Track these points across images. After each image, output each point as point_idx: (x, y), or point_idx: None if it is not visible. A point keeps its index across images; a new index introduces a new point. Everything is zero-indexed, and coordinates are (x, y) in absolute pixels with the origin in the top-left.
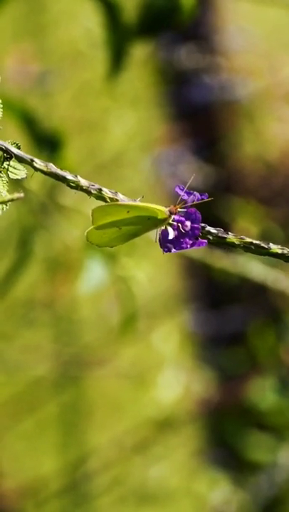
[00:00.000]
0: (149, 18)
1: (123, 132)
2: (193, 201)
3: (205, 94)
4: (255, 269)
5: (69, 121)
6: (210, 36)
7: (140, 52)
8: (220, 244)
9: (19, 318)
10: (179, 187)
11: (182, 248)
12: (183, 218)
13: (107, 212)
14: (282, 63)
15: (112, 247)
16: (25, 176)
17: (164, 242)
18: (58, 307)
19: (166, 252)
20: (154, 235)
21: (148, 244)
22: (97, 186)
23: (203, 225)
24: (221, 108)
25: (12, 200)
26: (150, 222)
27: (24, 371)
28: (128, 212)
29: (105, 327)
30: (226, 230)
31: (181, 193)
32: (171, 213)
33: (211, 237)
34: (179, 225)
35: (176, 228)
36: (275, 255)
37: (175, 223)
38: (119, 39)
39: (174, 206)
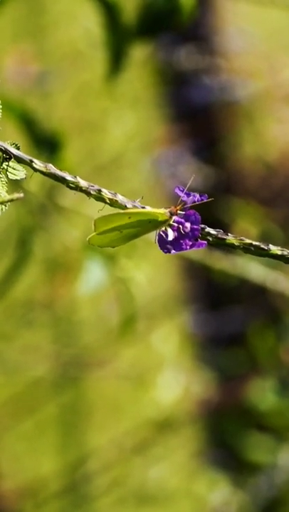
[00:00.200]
0: (148, 19)
1: (122, 133)
2: (193, 202)
3: (205, 95)
4: (255, 270)
5: (68, 121)
6: (210, 37)
7: (140, 53)
8: (219, 245)
9: (18, 319)
10: (178, 188)
11: (182, 249)
12: (182, 219)
13: (109, 221)
14: (282, 64)
15: (113, 247)
16: (24, 176)
17: (164, 244)
18: (58, 308)
19: (166, 253)
20: (153, 236)
21: (147, 245)
22: (96, 187)
23: (202, 226)
24: (221, 109)
25: (12, 200)
26: (151, 224)
27: (23, 372)
28: (129, 218)
29: (105, 328)
30: (226, 231)
31: (181, 194)
32: (171, 214)
33: (210, 239)
34: (179, 226)
35: (175, 229)
36: (275, 256)
37: (175, 224)
38: (118, 40)
39: (175, 207)
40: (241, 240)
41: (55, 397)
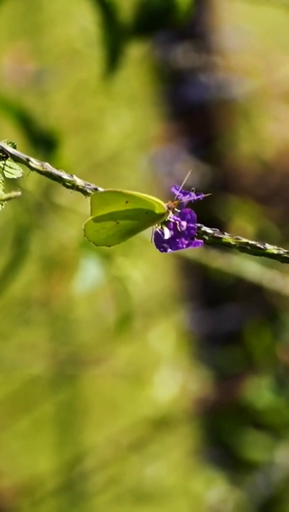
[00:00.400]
0: (145, 17)
1: (119, 131)
2: (189, 201)
3: (201, 93)
4: (251, 268)
5: (65, 120)
6: (206, 35)
7: (136, 51)
8: (216, 244)
9: (15, 317)
10: (175, 187)
11: (178, 248)
12: (179, 218)
13: (106, 201)
14: (279, 63)
15: (109, 246)
16: (21, 175)
17: (160, 242)
18: (54, 306)
19: (162, 252)
20: (150, 234)
21: (144, 244)
22: (93, 186)
23: (199, 225)
24: (218, 107)
25: (9, 198)
26: (148, 216)
27: (20, 370)
28: (127, 202)
29: (101, 326)
30: (222, 229)
31: (177, 192)
32: (169, 209)
33: (206, 237)
34: (177, 223)
35: (172, 228)
36: (271, 256)
37: (172, 220)
38: (115, 38)
39: (172, 202)
40: (237, 239)
41: (52, 395)
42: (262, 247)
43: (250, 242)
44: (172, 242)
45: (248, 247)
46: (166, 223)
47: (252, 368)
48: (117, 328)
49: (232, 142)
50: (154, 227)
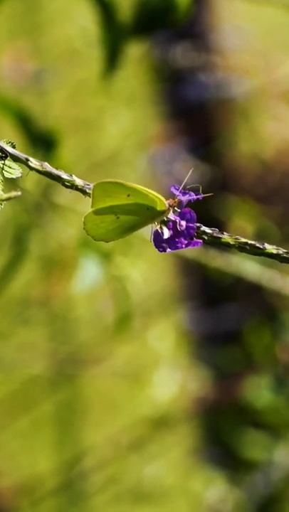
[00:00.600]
0: (144, 17)
1: (119, 131)
2: (189, 201)
3: (200, 92)
4: (251, 268)
5: (64, 119)
6: (205, 35)
7: (136, 51)
8: (215, 244)
9: (14, 317)
10: (174, 187)
11: (177, 248)
12: (178, 218)
13: (107, 192)
14: (278, 62)
15: (107, 241)
16: (20, 175)
17: (159, 242)
18: (54, 306)
19: (162, 251)
20: (149, 234)
21: (143, 243)
22: (92, 185)
23: (198, 224)
24: (217, 106)
25: (9, 198)
26: (148, 212)
27: (20, 369)
28: (128, 196)
29: (101, 325)
30: (222, 228)
31: (177, 192)
32: (170, 206)
33: (206, 237)
34: (176, 222)
35: (171, 228)
36: (270, 255)
37: (170, 222)
38: (114, 37)
39: (173, 200)
40: (237, 238)
41: (51, 395)
42: (261, 246)
43: (250, 241)
44: (171, 242)
45: (248, 247)
46: (166, 223)
47: (251, 368)
48: (117, 327)
49: (231, 142)
50: (153, 226)
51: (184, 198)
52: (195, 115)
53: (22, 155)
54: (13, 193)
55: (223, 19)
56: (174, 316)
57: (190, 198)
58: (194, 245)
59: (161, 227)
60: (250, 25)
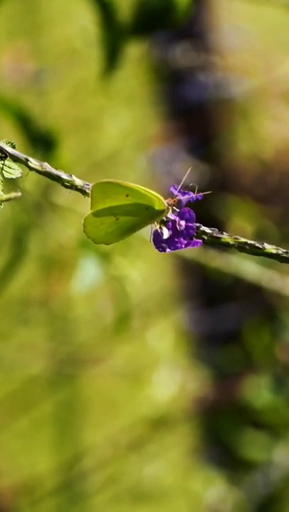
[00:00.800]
0: (144, 17)
1: (118, 131)
2: (188, 201)
3: (200, 92)
4: (250, 268)
5: (64, 119)
6: (205, 35)
7: (135, 51)
8: (215, 243)
9: (14, 317)
10: (173, 186)
11: (177, 248)
12: (177, 217)
13: (106, 193)
14: (277, 62)
15: (108, 244)
16: (20, 175)
17: (159, 242)
18: (53, 306)
19: (161, 251)
20: (148, 234)
21: (142, 244)
22: (91, 186)
23: (198, 224)
24: (216, 106)
25: (9, 199)
26: (148, 212)
27: (19, 369)
28: (127, 196)
29: (100, 325)
30: (221, 228)
31: (176, 192)
32: (169, 205)
33: (205, 237)
34: (175, 222)
35: (170, 228)
36: (270, 255)
37: (170, 222)
38: (114, 37)
39: (172, 199)
40: (236, 238)
41: (51, 395)
42: (261, 246)
43: (249, 241)
44: (171, 242)
45: (247, 247)
46: (165, 223)
47: (251, 368)
48: (116, 327)
49: (231, 142)
50: (152, 226)
51: (183, 198)
52: (194, 115)
53: (22, 155)
54: (12, 194)
55: (223, 19)
56: (174, 316)
57: (189, 197)
58: (194, 245)
59: (160, 227)
60: (250, 25)
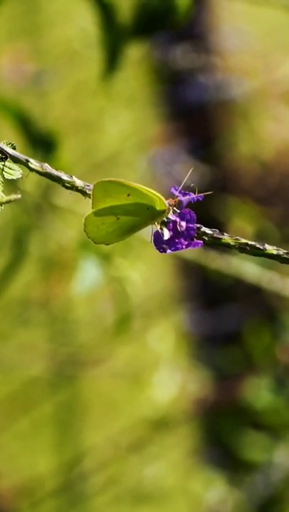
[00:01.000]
0: (144, 18)
1: (118, 132)
2: (189, 202)
3: (200, 93)
4: (251, 269)
5: (64, 120)
6: (205, 36)
7: (135, 52)
8: (215, 244)
9: (14, 318)
10: (174, 187)
11: (177, 249)
12: (178, 218)
13: (107, 192)
14: (278, 63)
15: (108, 244)
16: (20, 176)
17: (159, 243)
18: (53, 307)
19: (162, 252)
20: (148, 235)
21: (143, 245)
22: (92, 187)
23: (198, 225)
24: (216, 107)
25: (9, 201)
26: (149, 212)
27: (19, 371)
28: (128, 195)
29: (100, 327)
30: (222, 229)
31: (176, 193)
32: (170, 206)
33: (206, 238)
34: (176, 223)
35: (171, 228)
36: (270, 256)
37: (170, 223)
38: (114, 39)
39: (173, 199)
40: (237, 239)
41: (51, 396)
42: (261, 247)
43: (250, 242)
44: (171, 243)
45: (248, 248)
46: (166, 223)
47: (251, 369)
48: (116, 328)
49: (231, 143)
50: (153, 227)
51: (184, 199)
52: (195, 116)
53: (22, 156)
54: (13, 196)
55: (223, 20)
56: (174, 317)
57: (190, 198)
58: (194, 246)
59: (161, 228)
60: (250, 26)
